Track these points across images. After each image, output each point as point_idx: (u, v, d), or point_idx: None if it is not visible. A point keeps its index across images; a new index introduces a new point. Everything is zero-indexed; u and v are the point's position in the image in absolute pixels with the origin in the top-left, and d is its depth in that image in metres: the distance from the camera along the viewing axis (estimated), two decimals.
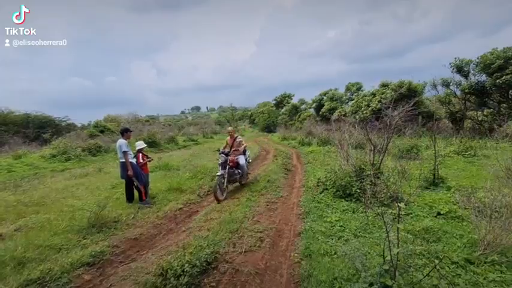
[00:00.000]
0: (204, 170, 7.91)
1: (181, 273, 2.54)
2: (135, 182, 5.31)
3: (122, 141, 5.33)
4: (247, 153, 7.04)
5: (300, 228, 3.79)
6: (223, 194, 5.66)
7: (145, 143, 6.09)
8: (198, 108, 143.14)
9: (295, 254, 3.07)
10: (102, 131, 19.82)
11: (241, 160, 6.33)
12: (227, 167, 5.88)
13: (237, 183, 6.63)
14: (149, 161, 5.99)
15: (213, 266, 2.86)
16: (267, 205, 5.00)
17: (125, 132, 5.55)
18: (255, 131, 39.10)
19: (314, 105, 29.88)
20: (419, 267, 2.49)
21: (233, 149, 6.36)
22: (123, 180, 5.44)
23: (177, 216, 4.79)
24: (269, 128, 35.26)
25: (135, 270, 2.86)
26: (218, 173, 5.63)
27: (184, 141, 21.75)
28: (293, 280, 2.61)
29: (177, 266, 2.60)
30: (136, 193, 5.38)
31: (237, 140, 6.63)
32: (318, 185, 5.79)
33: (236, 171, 6.20)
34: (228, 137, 6.84)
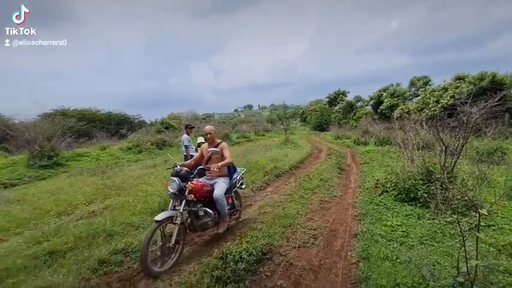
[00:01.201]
0: (257, 165, 8.17)
1: (239, 259, 2.72)
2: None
3: (184, 136, 5.89)
4: (239, 173, 4.11)
5: (356, 230, 3.63)
6: (165, 264, 2.81)
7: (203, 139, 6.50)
8: (250, 107, 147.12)
9: (352, 255, 2.97)
10: (166, 128, 22.08)
11: (219, 189, 3.43)
12: (183, 203, 2.99)
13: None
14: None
15: (267, 256, 2.97)
16: (320, 204, 4.92)
17: (187, 128, 6.12)
18: (306, 130, 38.35)
19: (372, 102, 27.83)
20: (503, 287, 2.15)
21: (211, 165, 3.38)
22: None
23: None
24: (321, 127, 34.16)
25: (198, 252, 3.17)
26: (158, 217, 2.79)
27: (237, 138, 22.71)
28: (349, 281, 2.55)
29: (236, 252, 2.79)
30: None
31: (219, 147, 3.70)
32: (376, 187, 5.43)
33: (205, 213, 3.24)
34: (205, 144, 3.92)
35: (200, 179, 3.55)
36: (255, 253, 2.85)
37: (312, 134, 29.07)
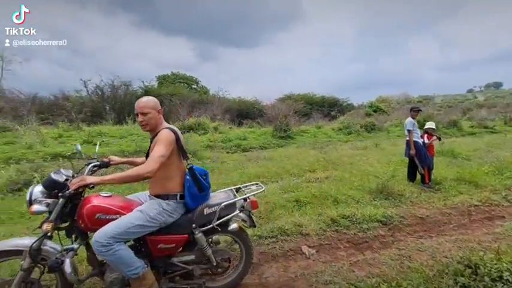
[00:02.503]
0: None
1: (497, 278, 2.12)
2: (416, 162, 5.14)
3: (408, 120, 5.29)
4: (231, 196, 2.06)
5: None
6: None
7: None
8: (497, 85, 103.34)
9: None
10: (375, 111, 21.15)
11: (107, 226, 1.65)
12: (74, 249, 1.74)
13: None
14: (438, 139, 5.59)
15: None
16: None
17: (412, 111, 5.45)
18: None
19: None
20: None
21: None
22: (405, 158, 5.50)
23: (472, 212, 4.01)
24: None
25: (429, 247, 2.86)
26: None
27: (471, 127, 17.10)
28: None
29: (491, 267, 2.20)
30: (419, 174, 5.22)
31: (157, 138, 1.76)
32: None
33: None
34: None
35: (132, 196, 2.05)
36: None
37: None
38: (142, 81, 20.20)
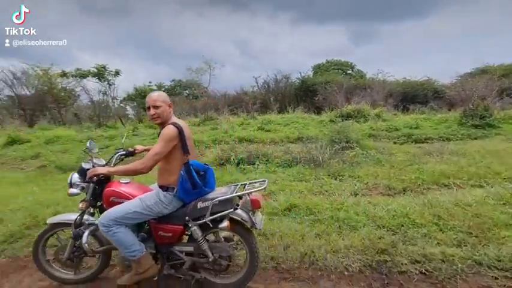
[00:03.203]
0: None
1: None
2: None
3: None
4: (230, 190, 2.03)
5: None
6: None
7: None
8: None
9: None
10: None
11: (110, 210, 1.91)
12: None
13: None
14: None
15: None
16: None
17: None
18: None
19: None
20: None
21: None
22: None
23: None
24: None
25: None
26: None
27: None
28: None
29: None
30: None
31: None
32: None
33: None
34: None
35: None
36: None
37: None
38: (300, 73, 21.43)
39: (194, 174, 1.86)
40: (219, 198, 1.86)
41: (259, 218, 1.97)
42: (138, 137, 10.35)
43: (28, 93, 16.66)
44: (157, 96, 1.91)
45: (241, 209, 1.90)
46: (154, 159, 1.81)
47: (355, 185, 4.46)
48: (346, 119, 10.50)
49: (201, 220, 1.89)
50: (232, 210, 1.87)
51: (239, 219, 1.89)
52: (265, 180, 2.02)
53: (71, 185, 2.06)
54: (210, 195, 1.93)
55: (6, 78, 15.89)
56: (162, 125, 1.91)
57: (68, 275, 2.28)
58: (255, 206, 1.92)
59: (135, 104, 16.84)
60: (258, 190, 1.94)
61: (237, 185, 2.07)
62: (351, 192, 4.12)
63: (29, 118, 15.71)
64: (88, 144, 2.19)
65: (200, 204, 1.89)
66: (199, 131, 10.38)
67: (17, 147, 9.62)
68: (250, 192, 1.92)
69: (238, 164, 6.19)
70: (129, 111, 17.54)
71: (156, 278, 1.99)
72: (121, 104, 17.38)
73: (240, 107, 15.17)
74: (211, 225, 1.89)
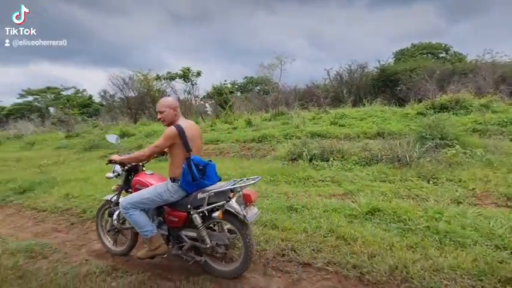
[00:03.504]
0: None
1: None
2: None
3: None
4: (228, 184, 2.16)
5: None
6: None
7: None
8: None
9: None
10: None
11: (131, 195, 2.41)
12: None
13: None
14: None
15: None
16: None
17: None
18: None
19: None
20: None
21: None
22: None
23: None
24: None
25: None
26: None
27: None
28: None
29: None
30: None
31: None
32: None
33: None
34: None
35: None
36: None
37: None
38: (378, 61, 19.24)
39: (194, 168, 2.05)
40: (214, 191, 2.06)
41: (253, 211, 2.08)
42: (216, 132, 11.24)
43: (133, 95, 20.20)
44: (161, 103, 2.22)
45: (236, 202, 2.02)
46: (151, 150, 2.18)
47: (457, 191, 3.71)
48: (439, 112, 8.89)
49: (200, 209, 2.09)
50: (225, 202, 2.04)
51: (232, 210, 2.00)
52: (259, 178, 2.16)
53: (113, 171, 2.53)
54: (209, 188, 2.11)
55: (118, 84, 19.69)
56: (169, 125, 2.17)
57: (111, 245, 2.75)
58: (246, 199, 2.07)
59: (213, 101, 18.35)
60: (249, 185, 2.06)
61: (236, 180, 2.18)
62: (451, 200, 3.45)
63: (134, 116, 19.10)
64: (114, 141, 2.79)
65: (200, 195, 2.09)
66: (271, 126, 10.51)
67: (126, 139, 11.82)
68: (243, 187, 2.05)
69: (311, 160, 5.99)
70: (208, 108, 19.19)
71: (165, 255, 2.32)
72: (201, 102, 19.26)
73: (311, 101, 14.67)
74: (206, 214, 2.09)
